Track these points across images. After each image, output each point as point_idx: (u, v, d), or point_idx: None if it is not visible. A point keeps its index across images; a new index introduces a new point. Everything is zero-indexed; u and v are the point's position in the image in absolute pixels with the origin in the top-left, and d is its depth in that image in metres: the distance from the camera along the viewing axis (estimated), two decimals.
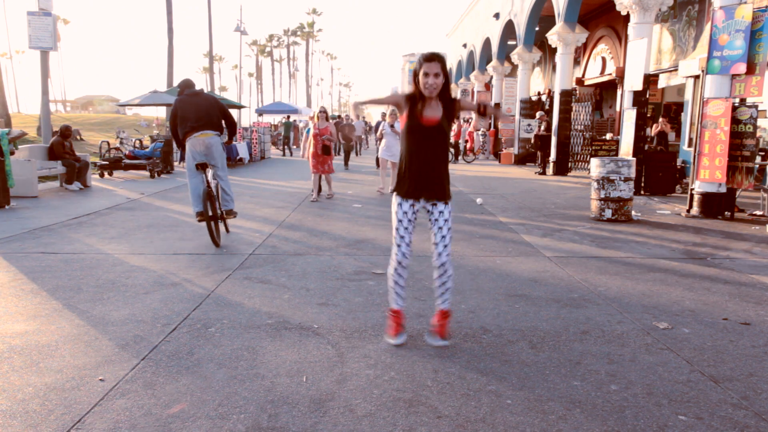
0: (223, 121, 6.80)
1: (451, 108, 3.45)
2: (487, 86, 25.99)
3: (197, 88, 6.80)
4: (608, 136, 17.45)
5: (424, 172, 3.43)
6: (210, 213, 6.27)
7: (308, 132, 10.76)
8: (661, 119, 14.71)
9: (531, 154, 19.07)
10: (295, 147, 27.91)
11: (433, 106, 3.42)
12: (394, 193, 3.54)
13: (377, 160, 20.07)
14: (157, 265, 5.48)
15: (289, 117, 29.63)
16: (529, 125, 19.42)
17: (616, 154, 13.94)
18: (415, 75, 3.38)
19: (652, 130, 14.42)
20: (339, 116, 24.68)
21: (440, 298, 3.57)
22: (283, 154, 25.35)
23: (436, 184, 3.44)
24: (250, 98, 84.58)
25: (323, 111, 10.49)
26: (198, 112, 6.47)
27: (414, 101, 3.42)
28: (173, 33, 34.39)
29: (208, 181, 6.40)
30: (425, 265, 5.41)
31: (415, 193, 3.45)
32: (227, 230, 7.05)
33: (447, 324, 3.60)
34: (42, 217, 7.97)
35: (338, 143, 22.30)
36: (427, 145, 3.42)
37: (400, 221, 3.49)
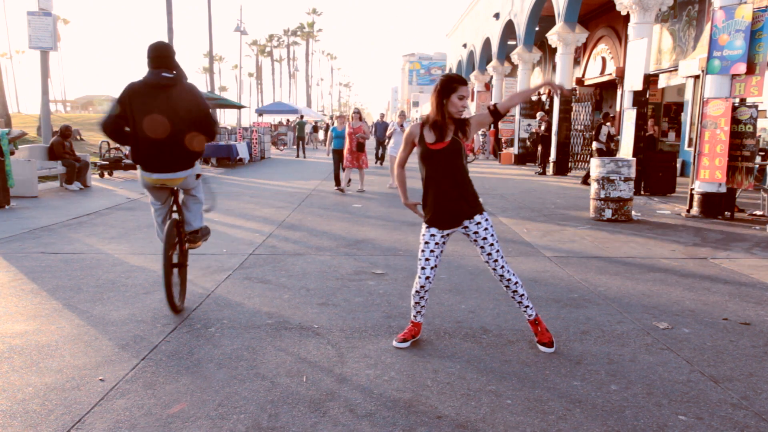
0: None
1: (462, 125, 3.39)
2: (487, 86, 26.00)
3: (169, 73, 3.98)
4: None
5: (444, 200, 3.37)
6: (174, 259, 4.15)
7: (334, 131, 11.77)
8: (650, 121, 14.76)
9: (531, 153, 19.07)
10: (310, 146, 27.98)
11: (443, 129, 3.36)
12: (424, 222, 3.51)
13: (377, 156, 20.00)
14: (157, 265, 5.48)
15: (302, 117, 27.78)
16: (529, 125, 19.42)
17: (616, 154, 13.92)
18: (440, 96, 3.30)
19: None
20: (332, 116, 25.03)
21: (521, 309, 3.55)
22: (297, 156, 23.66)
23: (458, 208, 3.38)
24: (250, 98, 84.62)
25: (357, 112, 11.61)
26: (164, 133, 3.89)
27: (423, 128, 3.39)
28: (173, 33, 34.39)
29: (178, 206, 4.36)
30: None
31: (439, 223, 3.42)
32: (183, 285, 4.31)
33: (544, 329, 3.57)
34: (42, 217, 7.97)
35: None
36: (443, 170, 3.35)
37: (426, 243, 3.46)
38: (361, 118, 11.56)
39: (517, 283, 3.47)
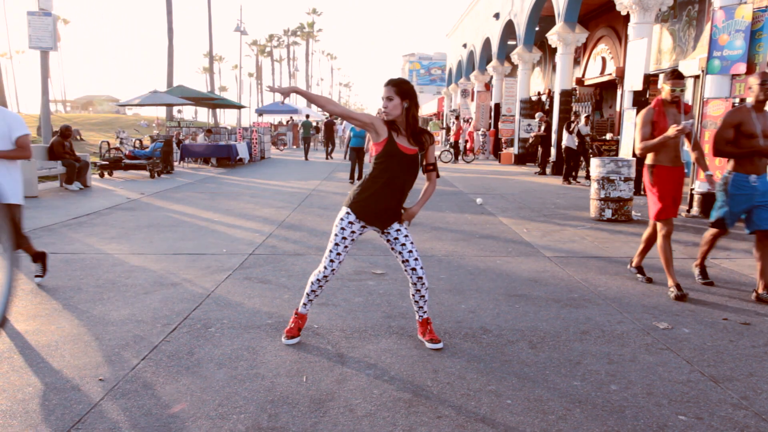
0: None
1: (419, 135, 3.37)
2: (487, 86, 25.99)
3: None
4: (608, 136, 17.45)
5: (389, 201, 3.35)
6: None
7: (353, 131, 12.84)
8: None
9: (531, 153, 19.07)
10: (314, 147, 27.85)
11: (399, 133, 3.34)
12: (347, 207, 3.41)
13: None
14: (157, 265, 5.48)
15: (308, 116, 26.75)
16: (529, 125, 19.42)
17: (616, 154, 13.94)
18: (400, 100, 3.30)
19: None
20: (331, 115, 24.93)
21: (416, 308, 3.61)
22: (306, 158, 22.04)
23: (394, 213, 3.40)
24: (250, 98, 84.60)
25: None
26: None
27: (395, 129, 3.33)
28: (173, 33, 34.45)
29: None
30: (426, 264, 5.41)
31: (367, 217, 3.37)
32: None
33: (431, 329, 3.62)
34: (42, 217, 7.97)
35: (332, 140, 23.09)
36: (402, 175, 3.33)
37: (342, 229, 3.38)
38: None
39: (425, 287, 3.53)
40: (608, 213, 8.29)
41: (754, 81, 4.65)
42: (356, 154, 13.02)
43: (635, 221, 8.33)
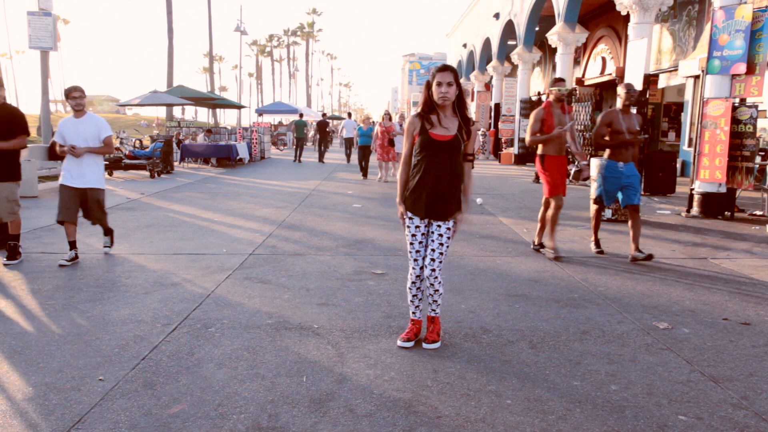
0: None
1: (466, 124, 3.41)
2: (487, 86, 26.00)
3: None
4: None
5: (436, 190, 3.37)
6: None
7: (360, 130, 14.55)
8: None
9: (531, 153, 19.05)
10: (311, 146, 26.41)
11: (446, 120, 3.39)
12: (404, 208, 3.50)
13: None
14: (157, 265, 5.48)
15: (302, 115, 24.06)
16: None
17: None
18: (428, 87, 3.36)
19: None
20: (323, 114, 24.40)
21: (429, 302, 3.61)
22: (295, 159, 20.53)
23: (447, 201, 3.40)
24: (250, 98, 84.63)
25: (387, 113, 14.07)
26: None
27: (425, 118, 3.39)
28: (173, 33, 34.44)
29: None
30: None
31: (420, 211, 3.43)
32: None
33: (436, 329, 3.64)
34: (42, 217, 7.96)
35: (325, 141, 21.34)
36: (441, 161, 3.36)
37: (413, 236, 3.50)
38: (390, 119, 13.85)
39: (441, 285, 3.53)
40: (608, 213, 8.28)
41: (622, 90, 5.88)
42: (363, 152, 14.52)
43: None
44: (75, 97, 5.49)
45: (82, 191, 5.58)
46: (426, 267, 3.48)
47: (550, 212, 5.98)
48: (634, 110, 5.82)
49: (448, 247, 3.50)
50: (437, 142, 3.35)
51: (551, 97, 6.00)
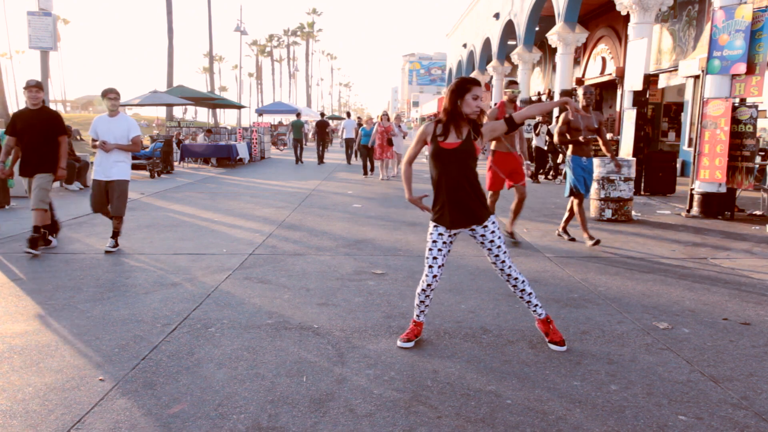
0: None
1: (477, 127, 3.42)
2: (488, 86, 25.99)
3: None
4: (608, 136, 17.45)
5: (453, 199, 3.39)
6: None
7: (363, 130, 15.23)
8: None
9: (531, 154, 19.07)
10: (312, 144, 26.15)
11: (460, 131, 3.40)
12: (432, 221, 3.52)
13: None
14: (157, 265, 5.48)
15: (299, 115, 22.90)
16: (529, 125, 19.42)
17: (616, 154, 13.93)
18: (454, 95, 3.35)
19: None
20: (322, 113, 24.15)
21: (530, 309, 3.57)
22: (297, 161, 20.06)
23: (468, 210, 3.40)
24: (250, 98, 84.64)
25: (386, 113, 14.54)
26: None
27: (445, 129, 3.42)
28: (173, 33, 34.43)
29: None
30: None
31: (447, 223, 3.43)
32: None
33: (555, 328, 3.60)
34: None
35: (325, 141, 20.92)
36: (453, 170, 3.38)
37: (434, 242, 3.48)
38: (389, 120, 14.42)
39: (524, 281, 3.51)
40: (608, 213, 8.29)
41: (580, 92, 6.54)
42: (366, 150, 14.97)
43: (635, 221, 8.33)
44: (111, 98, 6.00)
45: (108, 183, 6.01)
46: (504, 271, 3.45)
47: (501, 202, 6.82)
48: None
49: (504, 242, 3.48)
50: (447, 151, 3.36)
51: (504, 98, 6.66)
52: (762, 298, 4.67)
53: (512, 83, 6.72)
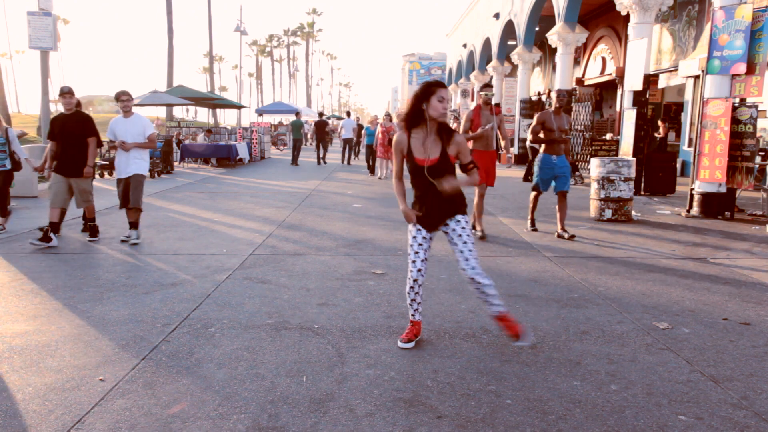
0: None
1: (448, 135, 3.39)
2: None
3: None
4: (608, 136, 17.44)
5: (432, 206, 3.43)
6: None
7: (367, 130, 15.87)
8: (660, 122, 14.75)
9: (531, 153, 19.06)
10: (310, 145, 26.06)
11: (430, 141, 3.38)
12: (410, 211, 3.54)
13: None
14: (157, 265, 5.48)
15: (298, 115, 21.96)
16: (529, 125, 19.42)
17: (616, 154, 13.94)
18: (419, 100, 3.32)
19: (660, 131, 14.43)
20: (321, 113, 23.88)
21: (486, 306, 3.52)
22: (293, 162, 19.39)
23: (444, 211, 3.44)
24: (250, 98, 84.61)
25: (388, 114, 14.78)
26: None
27: (417, 137, 3.40)
28: (173, 33, 34.44)
29: None
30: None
31: (425, 225, 3.48)
32: None
33: (512, 323, 3.48)
34: (42, 217, 7.96)
35: (324, 141, 20.51)
36: (424, 184, 3.41)
37: (414, 238, 3.52)
38: (391, 120, 14.55)
39: (488, 285, 3.41)
40: (608, 213, 8.28)
41: (554, 95, 7.02)
42: (369, 150, 15.60)
43: (635, 221, 8.32)
44: (123, 100, 6.46)
45: (126, 179, 6.48)
46: (466, 271, 3.40)
47: (475, 199, 7.00)
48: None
49: (472, 238, 3.47)
50: (424, 168, 3.38)
51: (480, 101, 7.13)
52: (762, 298, 4.67)
53: (486, 86, 7.20)
